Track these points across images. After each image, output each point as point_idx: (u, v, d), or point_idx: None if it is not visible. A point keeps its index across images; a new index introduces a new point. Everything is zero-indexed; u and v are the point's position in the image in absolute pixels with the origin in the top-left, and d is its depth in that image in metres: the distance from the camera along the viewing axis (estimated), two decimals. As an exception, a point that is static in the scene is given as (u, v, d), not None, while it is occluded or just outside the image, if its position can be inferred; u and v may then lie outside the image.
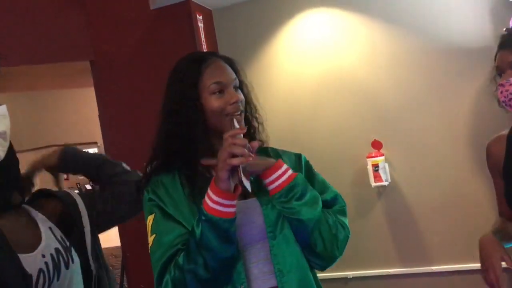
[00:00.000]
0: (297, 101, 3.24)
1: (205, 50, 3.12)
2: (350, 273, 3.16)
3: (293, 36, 3.23)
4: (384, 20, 3.04)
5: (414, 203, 3.02)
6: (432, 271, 2.96)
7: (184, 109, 1.33)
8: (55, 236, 1.42)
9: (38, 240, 1.38)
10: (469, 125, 2.82)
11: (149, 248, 1.29)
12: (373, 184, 2.98)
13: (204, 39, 3.14)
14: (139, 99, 3.18)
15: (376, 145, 2.97)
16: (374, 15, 3.05)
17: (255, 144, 1.23)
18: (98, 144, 6.95)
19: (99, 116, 3.46)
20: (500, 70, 1.48)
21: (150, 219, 1.31)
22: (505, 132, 1.63)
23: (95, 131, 3.63)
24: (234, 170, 1.16)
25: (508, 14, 2.64)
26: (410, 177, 3.02)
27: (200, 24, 3.13)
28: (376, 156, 2.96)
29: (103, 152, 3.20)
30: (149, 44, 3.18)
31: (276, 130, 3.25)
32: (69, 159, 1.64)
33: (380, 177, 2.94)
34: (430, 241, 3.00)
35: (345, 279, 3.18)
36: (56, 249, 1.39)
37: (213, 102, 1.33)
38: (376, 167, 2.94)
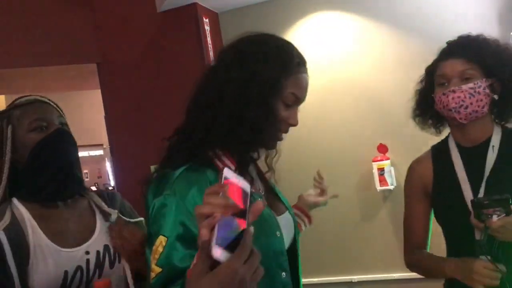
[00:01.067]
0: (303, 105, 3.22)
1: (211, 53, 3.13)
2: (355, 277, 3.15)
3: (299, 39, 3.23)
4: (392, 25, 3.04)
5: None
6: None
7: (262, 97, 1.15)
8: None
9: (90, 233, 1.37)
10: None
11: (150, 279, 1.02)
12: (379, 188, 2.97)
13: (210, 42, 3.15)
14: (145, 102, 3.20)
15: (382, 149, 2.97)
16: (382, 20, 3.06)
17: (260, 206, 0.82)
18: (104, 146, 6.97)
19: (105, 118, 3.48)
20: (445, 79, 1.47)
21: (162, 241, 1.01)
22: (426, 154, 1.67)
23: (101, 133, 3.65)
24: None
25: (515, 19, 2.64)
26: (415, 181, 3.01)
27: (207, 27, 3.14)
28: (382, 160, 2.95)
29: (108, 154, 3.23)
30: (156, 46, 3.20)
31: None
32: None
33: (386, 180, 2.94)
34: (435, 246, 2.98)
35: (349, 283, 3.17)
36: (105, 246, 1.36)
37: (282, 110, 1.24)
38: (381, 171, 2.94)
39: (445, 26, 2.91)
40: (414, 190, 1.65)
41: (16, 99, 1.39)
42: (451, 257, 1.55)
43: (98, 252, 1.34)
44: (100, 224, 1.39)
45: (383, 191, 3.03)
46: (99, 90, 3.47)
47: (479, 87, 1.43)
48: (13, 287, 1.20)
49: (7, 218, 1.26)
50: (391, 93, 3.04)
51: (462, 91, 1.42)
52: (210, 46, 3.14)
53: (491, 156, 1.46)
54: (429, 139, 2.94)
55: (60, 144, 1.34)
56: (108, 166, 7.08)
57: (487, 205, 1.31)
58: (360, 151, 3.09)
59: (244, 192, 0.80)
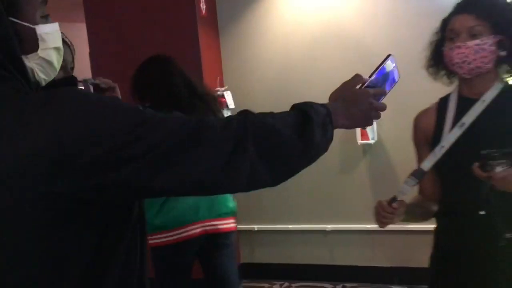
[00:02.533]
0: (293, 51, 3.21)
1: (201, -7, 3.05)
2: (329, 226, 3.25)
3: (293, -15, 3.16)
4: (386, -24, 2.99)
5: (398, 162, 3.07)
6: (409, 229, 3.05)
7: None
8: None
9: None
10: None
11: None
12: (360, 141, 3.01)
13: (201, -18, 3.07)
14: (131, 36, 3.12)
15: (367, 103, 2.98)
16: (377, -29, 3.00)
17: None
18: (89, 84, 6.86)
19: (90, 53, 3.41)
20: (454, 33, 1.50)
21: None
22: (433, 105, 1.68)
23: (85, 68, 3.59)
24: None
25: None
26: (396, 136, 3.05)
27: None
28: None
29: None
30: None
31: (269, 79, 3.25)
32: None
33: (367, 135, 2.97)
34: (409, 200, 3.07)
35: (323, 232, 3.27)
36: None
37: None
38: (364, 124, 2.97)
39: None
40: (418, 141, 1.70)
41: None
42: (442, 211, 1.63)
43: None
44: None
45: (364, 145, 3.07)
46: (85, 24, 3.38)
47: (485, 44, 1.46)
48: None
49: None
50: (382, 48, 3.02)
51: (467, 47, 1.46)
52: (201, -14, 3.06)
53: (478, 108, 1.50)
54: (415, 97, 2.97)
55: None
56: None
57: (495, 157, 1.35)
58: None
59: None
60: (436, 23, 3.22)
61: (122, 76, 3.14)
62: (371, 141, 3.00)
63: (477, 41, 1.45)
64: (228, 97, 3.11)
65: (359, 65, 3.07)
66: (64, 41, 1.37)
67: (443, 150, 1.50)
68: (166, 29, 2.98)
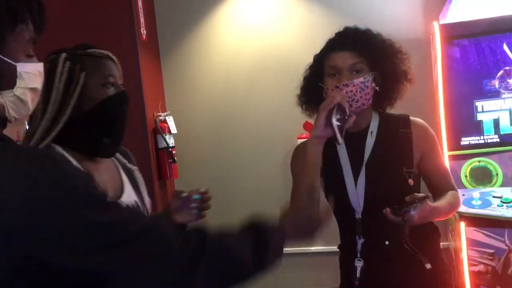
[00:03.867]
0: (234, 77, 3.24)
1: (142, 19, 3.03)
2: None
3: (234, 11, 3.21)
4: (323, 4, 3.10)
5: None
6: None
7: None
8: (133, 187, 1.45)
9: (121, 188, 1.40)
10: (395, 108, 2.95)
11: None
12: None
13: (141, 7, 3.05)
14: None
15: (308, 126, 3.04)
16: (316, 0, 3.10)
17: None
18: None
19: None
20: (335, 70, 1.54)
21: None
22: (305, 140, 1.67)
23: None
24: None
25: (438, 8, 2.77)
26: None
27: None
28: (307, 138, 3.02)
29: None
30: (83, 12, 3.03)
31: (211, 103, 3.25)
32: None
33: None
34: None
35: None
36: (136, 202, 1.41)
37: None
38: (306, 148, 3.02)
39: (374, 10, 3.01)
40: (296, 169, 1.67)
41: (81, 46, 1.36)
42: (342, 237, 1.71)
43: (133, 206, 1.38)
44: (126, 180, 1.43)
45: (307, 167, 3.11)
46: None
47: (368, 81, 1.52)
48: None
49: None
50: (320, 72, 3.11)
51: (354, 85, 1.49)
52: (141, 11, 3.04)
53: (370, 141, 1.59)
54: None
55: (124, 105, 1.37)
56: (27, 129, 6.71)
57: (407, 208, 1.38)
58: (286, 128, 3.14)
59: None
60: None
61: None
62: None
63: (361, 79, 1.50)
64: (171, 122, 3.08)
65: (297, 90, 3.14)
66: (110, 58, 1.38)
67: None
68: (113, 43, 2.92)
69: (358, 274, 1.54)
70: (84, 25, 2.94)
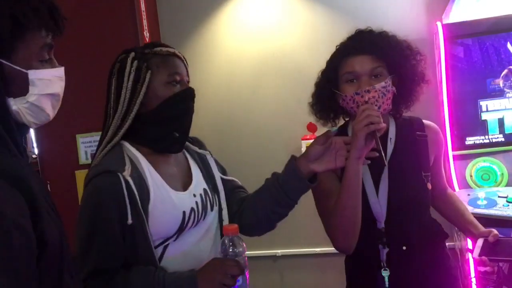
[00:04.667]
0: (237, 80, 3.24)
1: (145, 22, 3.03)
2: (279, 251, 3.25)
3: (236, 14, 3.21)
4: (327, 6, 3.09)
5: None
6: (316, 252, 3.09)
7: None
8: (205, 173, 1.50)
9: (189, 177, 1.44)
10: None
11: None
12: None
13: (144, 10, 3.05)
14: (72, 67, 3.04)
15: (311, 128, 3.04)
16: (317, 1, 3.09)
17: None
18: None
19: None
20: (354, 76, 1.46)
21: None
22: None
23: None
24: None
25: (441, 9, 2.76)
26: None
27: (141, -6, 3.03)
28: (311, 139, 3.02)
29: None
30: (87, 16, 3.04)
31: (214, 108, 3.25)
32: None
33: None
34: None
35: (274, 257, 3.26)
36: (204, 190, 1.45)
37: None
38: (310, 149, 3.01)
39: (378, 11, 3.00)
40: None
41: (150, 44, 1.39)
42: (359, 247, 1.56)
43: (201, 195, 1.42)
44: (195, 168, 1.48)
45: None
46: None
47: (388, 85, 1.45)
48: (146, 231, 1.26)
49: (128, 164, 1.28)
50: (323, 73, 3.11)
51: (376, 91, 1.42)
52: (143, 14, 3.04)
53: (390, 148, 1.52)
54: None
55: (190, 102, 1.40)
56: (32, 133, 6.75)
57: None
58: (290, 129, 3.15)
59: None
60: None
61: (61, 105, 3.06)
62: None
63: (382, 84, 1.42)
64: (174, 125, 3.08)
65: (300, 91, 3.14)
66: (177, 56, 1.40)
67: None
68: (110, 58, 2.92)
69: (387, 284, 1.47)
70: (88, 28, 2.95)
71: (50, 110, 0.96)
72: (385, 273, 1.48)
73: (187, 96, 1.39)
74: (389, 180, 1.49)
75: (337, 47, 1.59)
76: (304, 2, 3.12)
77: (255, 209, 1.49)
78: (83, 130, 2.98)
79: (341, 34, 3.09)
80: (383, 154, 1.34)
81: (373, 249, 1.51)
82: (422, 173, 1.52)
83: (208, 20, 3.25)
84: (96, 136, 2.95)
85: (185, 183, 1.41)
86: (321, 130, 3.23)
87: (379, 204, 1.49)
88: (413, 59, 1.52)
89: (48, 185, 3.02)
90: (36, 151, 3.25)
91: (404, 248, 1.49)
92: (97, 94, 2.93)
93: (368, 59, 1.46)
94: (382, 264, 1.49)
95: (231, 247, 1.26)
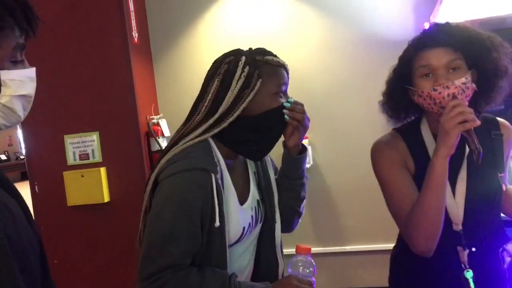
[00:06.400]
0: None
1: (134, 22, 3.02)
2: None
3: (226, 14, 3.20)
4: (316, 7, 3.10)
5: (333, 186, 3.14)
6: (346, 250, 3.11)
7: None
8: (262, 182, 1.48)
9: (248, 187, 1.43)
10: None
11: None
12: (296, 166, 3.06)
13: (133, 10, 3.04)
14: (60, 67, 3.03)
15: (301, 128, 3.05)
16: (306, 1, 3.10)
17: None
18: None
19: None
20: (429, 69, 1.36)
21: None
22: (392, 135, 1.55)
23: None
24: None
25: (428, 11, 2.79)
26: (331, 160, 3.14)
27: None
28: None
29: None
30: (75, 15, 3.02)
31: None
32: None
33: (303, 159, 3.03)
34: (345, 223, 3.15)
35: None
36: (257, 201, 1.44)
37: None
38: (299, 149, 3.02)
39: (366, 13, 3.02)
40: (396, 165, 1.48)
41: (260, 51, 1.40)
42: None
43: (255, 208, 1.41)
44: (252, 178, 1.46)
45: (300, 169, 3.12)
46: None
47: (468, 81, 1.33)
48: (224, 235, 1.26)
49: (218, 165, 1.29)
50: (314, 75, 3.12)
51: (456, 87, 1.31)
52: (132, 13, 3.03)
53: (466, 148, 1.42)
54: (346, 121, 3.08)
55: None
56: (19, 134, 6.70)
57: None
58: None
59: None
60: (361, 50, 3.40)
61: (49, 105, 3.04)
62: (307, 165, 3.05)
63: (463, 79, 1.31)
64: (164, 125, 3.07)
65: (290, 88, 3.15)
66: (284, 67, 1.40)
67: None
68: (98, 58, 2.92)
69: (472, 285, 1.40)
70: (76, 29, 2.94)
71: (21, 111, 0.93)
72: (469, 275, 1.41)
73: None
74: (468, 182, 1.42)
75: (409, 42, 1.48)
76: (293, 3, 3.13)
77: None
78: (71, 130, 2.96)
79: (330, 35, 3.13)
80: (481, 153, 1.26)
81: (449, 251, 1.44)
82: (498, 174, 1.45)
83: (198, 20, 3.24)
84: (84, 137, 2.94)
85: (243, 194, 1.40)
86: (311, 130, 3.24)
87: (457, 206, 1.41)
88: (495, 51, 1.38)
89: (36, 187, 3.00)
90: (23, 152, 3.22)
91: (474, 249, 1.42)
92: (85, 95, 2.95)
93: (444, 52, 1.35)
94: (464, 265, 1.41)
95: (301, 267, 1.27)
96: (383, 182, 1.50)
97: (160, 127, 3.04)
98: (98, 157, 2.93)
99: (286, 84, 1.40)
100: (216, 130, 1.31)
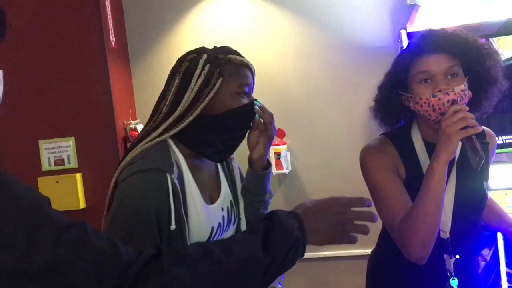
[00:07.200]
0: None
1: (111, 26, 2.99)
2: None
3: (204, 18, 3.19)
4: (293, 13, 3.11)
5: (312, 191, 3.14)
6: (324, 256, 3.11)
7: None
8: (229, 187, 1.44)
9: (218, 190, 1.39)
10: (364, 118, 2.98)
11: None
12: (274, 171, 3.06)
13: (110, 14, 3.01)
14: (38, 69, 2.98)
15: (280, 133, 3.05)
16: (284, 7, 3.11)
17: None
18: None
19: None
20: (427, 76, 1.36)
21: None
22: (383, 140, 1.51)
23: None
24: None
25: (405, 18, 2.82)
26: (309, 165, 3.14)
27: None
28: (279, 145, 3.03)
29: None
30: (50, 19, 2.97)
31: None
32: None
33: (282, 165, 3.03)
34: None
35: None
36: (231, 202, 1.41)
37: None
38: (278, 155, 3.02)
39: (344, 18, 3.04)
40: (388, 170, 1.45)
41: (223, 50, 1.37)
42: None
43: (227, 208, 1.38)
44: (224, 179, 1.43)
45: (279, 174, 3.12)
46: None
47: (466, 89, 1.34)
48: (185, 239, 1.22)
49: (175, 166, 1.25)
50: (291, 80, 3.13)
51: (455, 94, 1.31)
52: (109, 15, 3.00)
53: (457, 152, 1.42)
54: (324, 126, 3.09)
55: (251, 116, 1.35)
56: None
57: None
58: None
59: None
60: (338, 55, 3.41)
61: (23, 109, 2.98)
62: (285, 171, 3.05)
63: (462, 86, 1.32)
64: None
65: (269, 94, 3.16)
66: (248, 67, 1.36)
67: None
68: (74, 63, 2.88)
69: None
70: (52, 32, 2.89)
71: None
72: (454, 283, 1.41)
73: (251, 109, 1.35)
74: (456, 191, 1.42)
75: (405, 47, 1.46)
76: (271, 9, 3.13)
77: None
78: (46, 135, 2.91)
79: (308, 40, 3.14)
80: (483, 159, 1.24)
81: (436, 259, 1.42)
82: (484, 183, 1.45)
83: (176, 24, 3.22)
84: (59, 142, 2.89)
85: (213, 194, 1.37)
86: (289, 135, 3.22)
87: (445, 213, 1.39)
88: (491, 59, 1.40)
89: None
90: (-4, 157, 3.14)
91: (457, 257, 1.42)
92: (61, 100, 2.90)
93: (444, 58, 1.35)
94: (449, 273, 1.41)
95: None
96: (375, 187, 1.47)
97: (138, 132, 3.01)
98: (73, 163, 2.89)
99: (250, 84, 1.36)
100: (175, 130, 1.29)
